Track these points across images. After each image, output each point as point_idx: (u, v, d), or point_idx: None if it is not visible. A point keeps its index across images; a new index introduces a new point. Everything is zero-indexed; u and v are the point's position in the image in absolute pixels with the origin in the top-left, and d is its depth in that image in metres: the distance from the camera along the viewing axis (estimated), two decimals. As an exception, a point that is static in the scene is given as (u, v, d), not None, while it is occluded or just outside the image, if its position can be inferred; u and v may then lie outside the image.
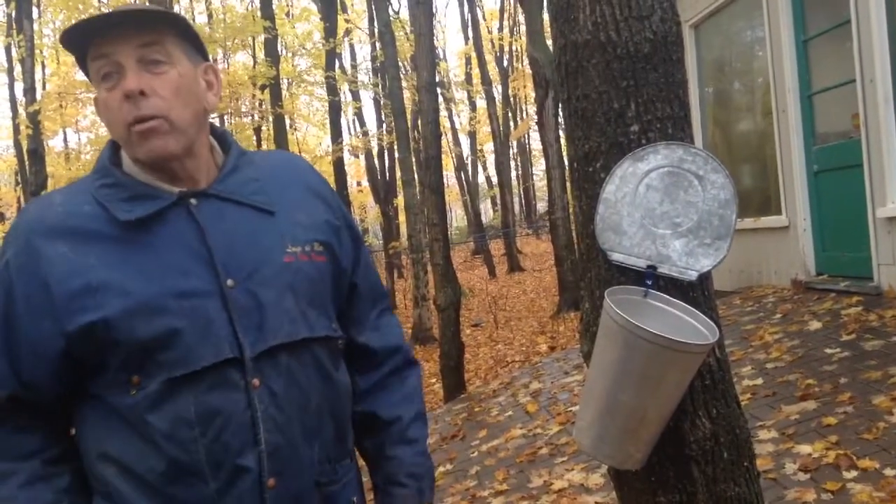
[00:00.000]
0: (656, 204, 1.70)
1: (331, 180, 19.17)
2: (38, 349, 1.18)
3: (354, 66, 27.98)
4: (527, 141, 33.80)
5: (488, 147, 34.48)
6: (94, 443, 1.21)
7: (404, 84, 18.10)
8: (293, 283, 1.26)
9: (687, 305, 1.68)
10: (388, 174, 24.12)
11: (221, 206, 1.25)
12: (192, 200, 1.23)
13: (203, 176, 1.27)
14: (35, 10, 16.94)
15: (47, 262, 1.17)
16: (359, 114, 27.40)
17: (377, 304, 1.48)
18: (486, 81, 26.18)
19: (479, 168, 36.30)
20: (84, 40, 1.20)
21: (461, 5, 32.71)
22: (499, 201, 29.76)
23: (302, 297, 1.26)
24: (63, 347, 1.17)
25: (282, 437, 1.21)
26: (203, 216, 1.23)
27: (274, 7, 16.09)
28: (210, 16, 21.72)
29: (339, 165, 18.74)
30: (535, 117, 13.72)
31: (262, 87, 16.44)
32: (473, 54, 27.50)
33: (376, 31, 17.84)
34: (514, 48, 29.88)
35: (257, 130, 19.06)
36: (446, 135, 28.93)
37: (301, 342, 1.25)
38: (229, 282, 1.20)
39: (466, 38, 29.72)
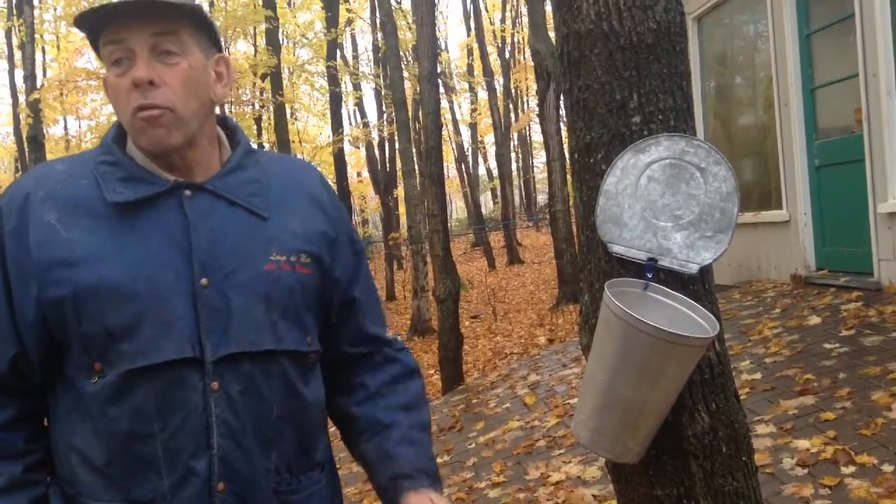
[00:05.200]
0: (657, 196, 1.68)
1: (331, 171, 19.16)
2: (25, 313, 1.18)
3: (356, 57, 27.93)
4: (528, 133, 33.76)
5: (489, 139, 34.42)
6: (62, 431, 1.22)
7: (405, 74, 18.05)
8: (269, 293, 1.24)
9: (687, 298, 1.67)
10: (388, 165, 24.09)
11: (214, 202, 1.24)
12: (187, 192, 1.23)
13: (202, 168, 1.26)
14: (35, -3, 16.86)
15: (35, 228, 1.18)
16: (360, 104, 27.34)
17: (382, 322, 1.47)
18: (488, 73, 26.09)
19: (480, 159, 36.28)
20: (98, 23, 1.20)
21: (463, -4, 32.62)
22: (499, 193, 29.71)
23: (275, 307, 1.24)
24: (41, 315, 1.18)
25: (233, 443, 1.20)
26: (192, 210, 1.22)
27: (275, -4, 16.02)
28: (211, 3, 21.65)
29: (339, 156, 18.72)
30: (537, 109, 13.69)
31: (263, 76, 16.41)
32: (475, 45, 27.42)
33: (378, 20, 17.77)
34: (516, 40, 29.79)
35: (258, 120, 19.04)
36: (447, 126, 28.87)
37: (266, 353, 1.23)
38: (203, 280, 1.19)
39: (468, 29, 29.60)
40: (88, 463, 1.19)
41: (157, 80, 1.18)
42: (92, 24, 1.20)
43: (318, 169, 1.51)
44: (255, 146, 1.39)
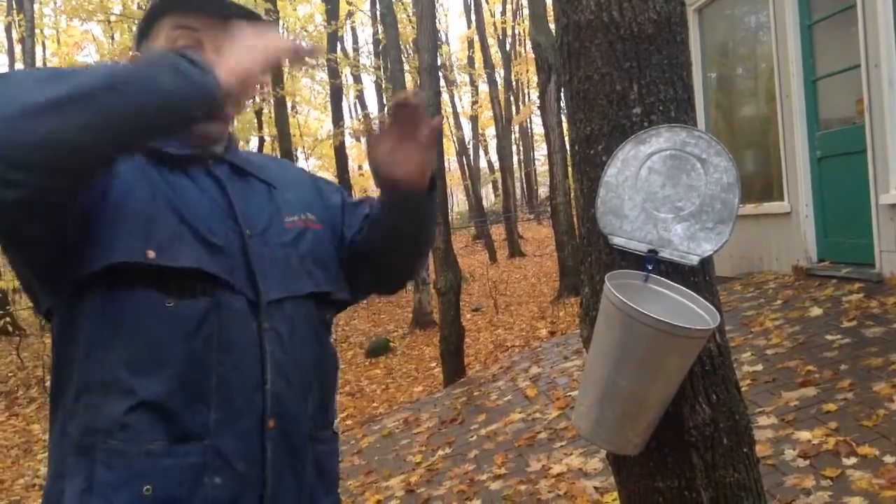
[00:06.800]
0: (658, 187, 1.68)
1: (332, 164, 19.13)
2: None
3: (356, 49, 27.88)
4: (529, 125, 33.68)
5: (490, 131, 34.37)
6: (96, 363, 1.17)
7: (406, 67, 18.02)
8: (296, 243, 1.36)
9: (688, 290, 1.66)
10: (389, 158, 24.00)
11: (231, 172, 1.36)
12: (210, 161, 1.33)
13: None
14: (35, -9, 16.80)
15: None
16: (360, 97, 27.33)
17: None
18: (489, 65, 26.04)
19: (481, 152, 36.22)
20: (170, 6, 1.29)
21: (464, -12, 32.49)
22: (500, 186, 29.68)
23: (306, 256, 1.36)
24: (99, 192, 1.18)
25: (284, 381, 1.26)
26: (221, 174, 1.33)
27: (275, -11, 15.97)
28: (211, -3, 21.57)
29: (340, 149, 18.70)
30: (538, 101, 13.66)
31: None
32: (476, 38, 27.35)
33: (378, 13, 17.74)
34: (516, 32, 29.73)
35: (258, 113, 18.98)
36: (448, 118, 28.82)
37: (305, 297, 1.33)
38: (248, 232, 1.29)
39: (469, 22, 29.55)
40: (133, 395, 1.15)
41: None
42: (164, 6, 1.29)
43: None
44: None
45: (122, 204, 1.19)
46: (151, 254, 1.16)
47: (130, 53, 1.35)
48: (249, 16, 1.31)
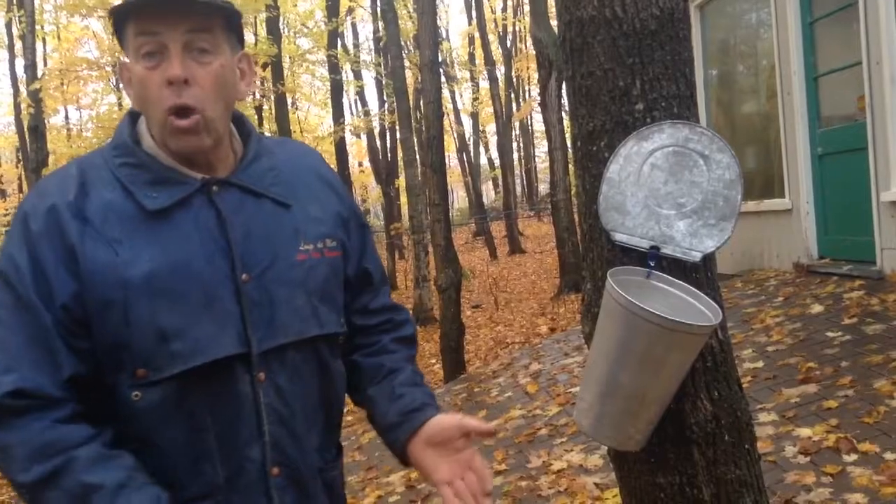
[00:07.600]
0: (661, 184, 1.68)
1: (332, 160, 19.13)
2: (68, 308, 1.13)
3: (357, 45, 27.83)
4: (529, 122, 33.64)
5: (490, 128, 34.33)
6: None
7: (407, 63, 18.01)
8: (305, 281, 1.25)
9: (690, 287, 1.66)
10: (389, 154, 24.03)
11: (241, 196, 1.24)
12: (214, 188, 1.22)
13: (221, 163, 1.25)
14: (35, -14, 16.76)
15: (72, 231, 1.14)
16: (361, 93, 27.29)
17: (389, 291, 1.49)
18: (489, 62, 26.01)
19: (482, 149, 36.18)
20: (129, 12, 1.17)
21: (464, -15, 32.45)
22: (500, 182, 29.66)
23: (314, 294, 1.27)
24: (84, 315, 1.14)
25: (284, 429, 1.23)
26: (224, 206, 1.21)
27: (276, -15, 15.95)
28: (211, -7, 21.48)
29: (340, 146, 18.70)
30: (538, 98, 13.66)
31: (264, 66, 16.36)
32: (476, 34, 27.33)
33: (379, 9, 17.73)
34: (517, 28, 29.68)
35: (258, 109, 18.96)
36: (448, 115, 28.78)
37: (309, 339, 1.26)
38: (244, 276, 1.20)
39: (470, 18, 29.51)
40: (147, 467, 1.17)
41: (190, 80, 1.16)
42: (122, 12, 1.17)
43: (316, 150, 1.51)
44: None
45: (108, 332, 1.14)
46: (141, 372, 1.15)
47: (121, 60, 1.25)
48: (213, 9, 1.18)
